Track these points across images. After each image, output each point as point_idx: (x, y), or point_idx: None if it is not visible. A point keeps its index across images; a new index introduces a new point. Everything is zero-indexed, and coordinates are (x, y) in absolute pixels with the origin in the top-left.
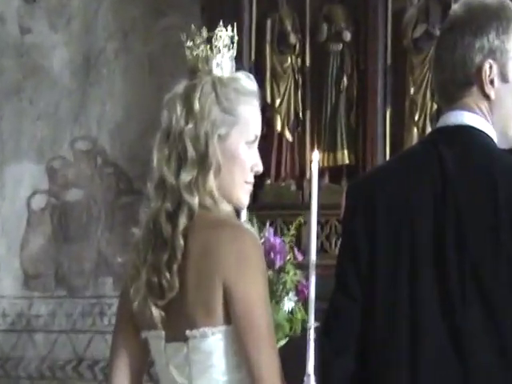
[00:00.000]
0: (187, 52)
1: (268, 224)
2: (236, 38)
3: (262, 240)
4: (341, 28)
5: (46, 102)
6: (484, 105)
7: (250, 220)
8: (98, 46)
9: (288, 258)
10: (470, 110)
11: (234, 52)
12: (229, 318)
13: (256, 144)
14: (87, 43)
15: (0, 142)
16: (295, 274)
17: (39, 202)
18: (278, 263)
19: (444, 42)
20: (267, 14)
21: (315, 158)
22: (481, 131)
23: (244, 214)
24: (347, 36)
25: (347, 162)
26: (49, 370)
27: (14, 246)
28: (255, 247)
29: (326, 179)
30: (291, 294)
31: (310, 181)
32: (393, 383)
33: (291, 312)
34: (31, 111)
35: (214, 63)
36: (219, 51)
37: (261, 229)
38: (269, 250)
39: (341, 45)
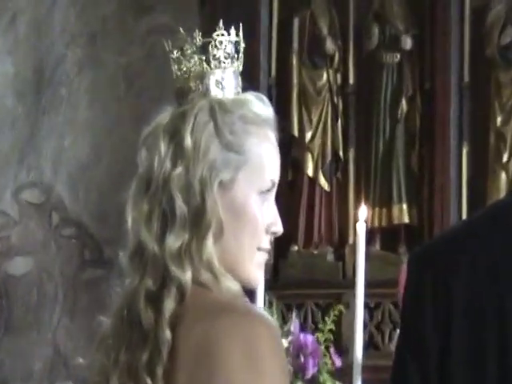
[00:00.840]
0: (174, 66)
1: (294, 313)
2: (243, 44)
3: (287, 337)
4: (398, 31)
5: None
6: None
7: (271, 304)
8: (54, 56)
9: (324, 362)
10: None
11: (240, 65)
12: None
13: (273, 194)
14: (39, 51)
15: None
16: None
17: None
18: (311, 371)
19: None
20: (294, 12)
21: (362, 216)
22: None
23: (260, 295)
24: (407, 43)
25: (407, 220)
26: None
27: None
28: (272, 342)
29: (377, 245)
30: None
31: (354, 248)
32: None
33: None
34: None
35: (211, 81)
36: (219, 64)
37: (284, 317)
38: (297, 351)
39: (398, 55)
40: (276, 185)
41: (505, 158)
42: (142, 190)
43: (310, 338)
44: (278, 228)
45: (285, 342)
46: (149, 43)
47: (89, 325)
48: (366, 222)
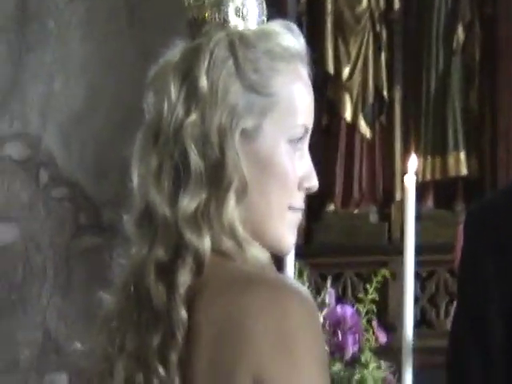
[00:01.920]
0: None
1: (329, 281)
2: None
3: (321, 310)
4: None
5: None
6: None
7: (301, 273)
8: None
9: (366, 339)
10: None
11: None
12: None
13: (306, 143)
14: None
15: None
16: (378, 367)
17: None
18: (351, 349)
19: None
20: None
21: (411, 168)
22: None
23: (290, 264)
24: None
25: (465, 172)
26: None
27: None
28: (308, 319)
29: (430, 202)
30: None
31: (402, 205)
32: None
33: None
34: None
35: (230, 9)
36: None
37: (319, 288)
38: (333, 326)
39: None
40: (309, 131)
41: None
42: (149, 142)
43: (349, 310)
44: (313, 183)
45: (319, 317)
46: None
47: (86, 304)
48: (415, 174)
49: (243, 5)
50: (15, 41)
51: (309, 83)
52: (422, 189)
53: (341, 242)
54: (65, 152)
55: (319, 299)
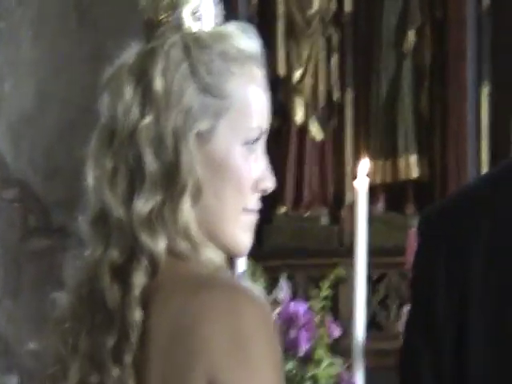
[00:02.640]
0: None
1: (283, 279)
2: None
3: (275, 309)
4: None
5: None
6: None
7: (254, 275)
8: None
9: (319, 336)
10: None
11: None
12: None
13: (262, 144)
14: None
15: None
16: (331, 363)
17: None
18: (304, 347)
19: None
20: None
21: (362, 171)
22: None
23: (243, 265)
24: None
25: (416, 175)
26: None
27: None
28: (261, 320)
29: (381, 205)
30: None
31: (352, 209)
32: None
33: None
34: None
35: (185, 11)
36: None
37: (271, 288)
38: (286, 324)
39: None
40: (265, 133)
41: None
42: (104, 144)
43: (301, 307)
44: (269, 184)
45: (273, 318)
46: None
47: (36, 306)
48: (366, 177)
49: (198, 7)
50: None
51: (264, 85)
52: (372, 192)
53: (291, 244)
54: (15, 153)
55: (272, 298)
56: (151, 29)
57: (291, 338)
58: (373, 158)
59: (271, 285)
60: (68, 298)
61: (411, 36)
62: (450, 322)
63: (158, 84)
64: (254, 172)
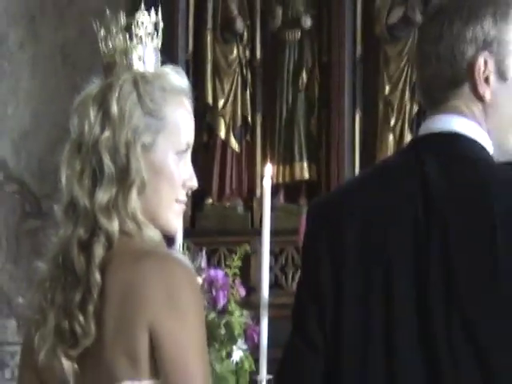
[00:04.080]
0: (101, 44)
1: (204, 251)
2: (161, 24)
3: (201, 275)
4: (299, 12)
5: None
6: (477, 108)
7: (188, 249)
8: None
9: (231, 294)
10: (459, 113)
11: (159, 42)
12: (157, 371)
13: (189, 154)
14: None
15: None
16: (241, 314)
17: None
18: (221, 302)
19: (428, 31)
20: None
21: (267, 173)
22: (473, 140)
23: (179, 242)
24: (307, 22)
25: (307, 176)
26: None
27: None
28: (188, 281)
29: (281, 198)
30: (240, 342)
31: (261, 200)
32: None
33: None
34: None
35: (134, 56)
36: (141, 41)
37: (197, 258)
38: (209, 285)
39: (299, 33)
40: (191, 146)
41: (392, 122)
42: (74, 152)
43: (220, 273)
44: (194, 183)
45: (199, 280)
46: (81, 23)
47: (30, 269)
48: (271, 178)
49: (143, 53)
50: None
51: (190, 110)
52: (275, 188)
53: (216, 227)
54: (15, 159)
55: (196, 264)
56: (109, 69)
57: (212, 296)
58: (275, 163)
59: (198, 256)
60: (47, 265)
61: (304, 76)
62: (330, 280)
63: (114, 109)
64: (183, 173)
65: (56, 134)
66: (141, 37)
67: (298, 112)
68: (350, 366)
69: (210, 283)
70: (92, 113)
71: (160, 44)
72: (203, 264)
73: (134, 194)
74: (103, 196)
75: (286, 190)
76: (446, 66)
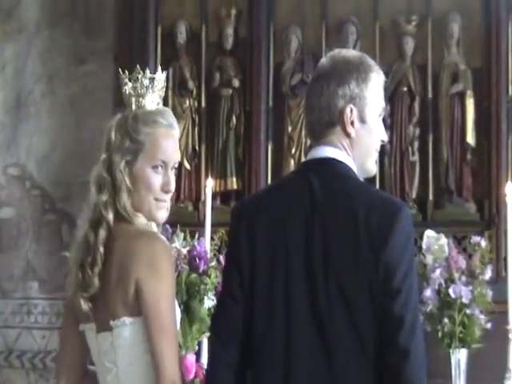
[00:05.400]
0: (125, 87)
1: (197, 237)
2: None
3: (187, 248)
4: (231, 76)
5: None
6: (346, 141)
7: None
8: (27, 88)
9: (212, 263)
10: (333, 145)
11: (163, 91)
12: (140, 312)
13: (169, 168)
14: (18, 86)
15: None
16: (216, 276)
17: None
18: (202, 267)
19: (313, 89)
20: (169, 64)
21: (209, 184)
22: (343, 163)
23: (155, 228)
24: (236, 83)
25: (235, 187)
26: None
27: None
28: (166, 253)
29: (218, 201)
30: (210, 294)
31: (204, 203)
32: (270, 370)
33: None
34: None
35: (147, 99)
36: (140, 91)
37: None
38: (194, 256)
39: (230, 90)
40: (171, 162)
41: (293, 151)
42: (101, 174)
43: (202, 247)
44: (169, 187)
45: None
46: (84, 81)
47: (49, 247)
48: (211, 188)
49: (142, 101)
50: (14, 117)
51: (170, 138)
52: (214, 195)
53: (175, 220)
54: (38, 172)
55: (188, 243)
56: (118, 108)
57: (196, 263)
58: (214, 178)
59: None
60: (75, 241)
61: (234, 120)
62: (247, 256)
63: (112, 138)
64: (157, 182)
65: (65, 155)
66: (137, 89)
67: (229, 144)
68: (260, 313)
69: (196, 254)
70: (104, 138)
71: (159, 94)
72: (197, 245)
73: (124, 195)
74: (103, 196)
75: (222, 196)
76: (324, 114)
